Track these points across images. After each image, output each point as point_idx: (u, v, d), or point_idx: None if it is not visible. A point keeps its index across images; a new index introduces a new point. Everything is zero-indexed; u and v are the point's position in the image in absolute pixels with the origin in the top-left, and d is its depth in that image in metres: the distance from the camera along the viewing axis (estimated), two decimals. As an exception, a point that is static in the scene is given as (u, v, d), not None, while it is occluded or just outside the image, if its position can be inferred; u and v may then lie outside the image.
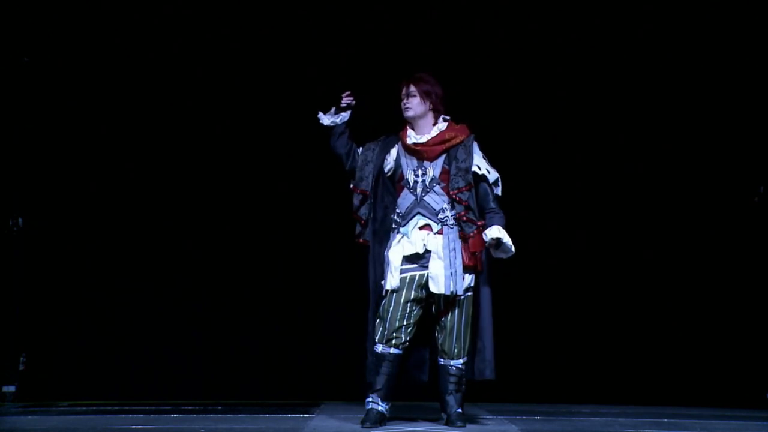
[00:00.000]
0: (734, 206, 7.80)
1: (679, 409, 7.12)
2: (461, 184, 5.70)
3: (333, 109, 5.85)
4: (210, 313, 7.73)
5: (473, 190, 5.73)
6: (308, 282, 7.79)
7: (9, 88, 7.59)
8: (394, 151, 5.84)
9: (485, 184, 5.76)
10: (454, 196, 5.69)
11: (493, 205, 5.76)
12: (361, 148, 5.89)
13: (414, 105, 5.77)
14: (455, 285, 5.63)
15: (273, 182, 7.80)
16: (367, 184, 5.80)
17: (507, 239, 5.65)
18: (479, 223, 5.70)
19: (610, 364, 7.74)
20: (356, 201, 5.83)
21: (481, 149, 5.85)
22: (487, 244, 5.66)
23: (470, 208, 5.70)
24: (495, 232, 5.63)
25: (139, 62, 7.77)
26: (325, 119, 5.86)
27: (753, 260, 7.73)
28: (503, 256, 5.72)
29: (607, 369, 7.74)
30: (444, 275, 5.62)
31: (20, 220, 7.55)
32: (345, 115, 5.85)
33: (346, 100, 5.84)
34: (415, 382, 5.89)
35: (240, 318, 7.76)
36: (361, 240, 5.83)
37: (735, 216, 7.80)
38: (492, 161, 5.86)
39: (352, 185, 5.86)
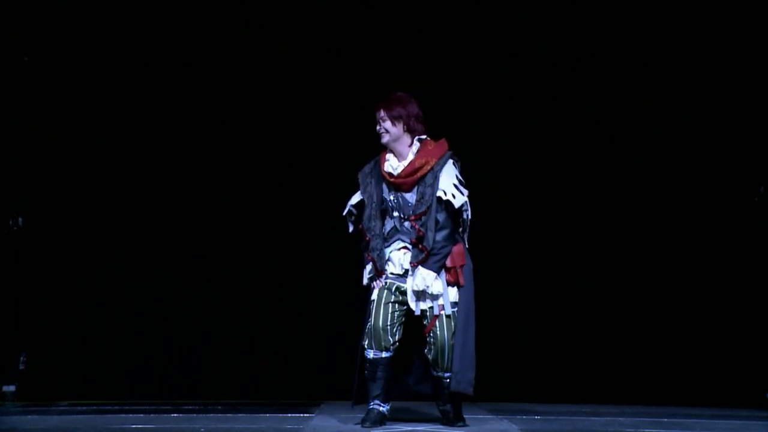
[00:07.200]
0: (734, 206, 7.80)
1: (679, 409, 7.12)
2: (421, 208, 5.63)
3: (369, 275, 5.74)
4: (210, 313, 7.74)
5: (432, 214, 5.59)
6: (308, 282, 7.79)
7: (9, 88, 7.59)
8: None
9: (445, 213, 5.63)
10: (412, 222, 5.64)
11: (439, 238, 5.60)
12: (359, 175, 5.83)
13: (387, 129, 5.67)
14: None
15: (273, 183, 7.80)
16: (375, 225, 5.72)
17: (423, 286, 5.56)
18: (426, 250, 5.58)
19: (610, 364, 7.75)
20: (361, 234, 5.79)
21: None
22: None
23: (423, 235, 5.59)
24: (414, 283, 5.58)
25: (139, 62, 7.78)
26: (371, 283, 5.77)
27: (753, 260, 7.73)
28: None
29: (607, 369, 7.74)
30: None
31: (20, 220, 7.56)
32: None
33: (377, 283, 5.72)
34: (419, 396, 5.90)
35: (240, 318, 7.77)
36: (369, 255, 5.74)
37: (735, 216, 7.80)
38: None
39: (360, 226, 5.77)
